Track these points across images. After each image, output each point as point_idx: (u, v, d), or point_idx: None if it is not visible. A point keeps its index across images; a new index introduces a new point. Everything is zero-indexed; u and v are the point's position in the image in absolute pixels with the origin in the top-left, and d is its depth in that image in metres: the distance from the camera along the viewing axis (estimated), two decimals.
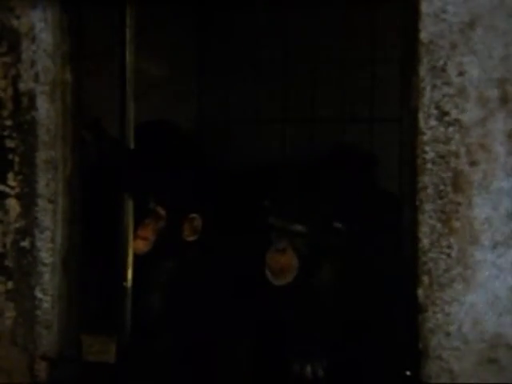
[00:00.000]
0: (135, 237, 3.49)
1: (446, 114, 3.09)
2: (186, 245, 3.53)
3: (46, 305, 3.57)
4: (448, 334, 3.09)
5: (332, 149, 3.81)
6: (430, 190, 3.11)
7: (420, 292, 3.12)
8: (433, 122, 3.11)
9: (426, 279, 3.12)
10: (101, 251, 3.72)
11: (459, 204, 3.09)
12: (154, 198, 3.53)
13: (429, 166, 3.11)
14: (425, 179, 3.12)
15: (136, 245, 3.50)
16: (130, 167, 3.53)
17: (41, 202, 3.56)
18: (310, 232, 3.23)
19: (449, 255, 3.10)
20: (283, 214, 3.26)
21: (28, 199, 3.57)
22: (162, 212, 3.45)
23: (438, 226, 3.10)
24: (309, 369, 3.22)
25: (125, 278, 3.55)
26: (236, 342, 3.30)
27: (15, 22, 3.51)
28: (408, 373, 3.14)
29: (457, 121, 3.09)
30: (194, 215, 3.44)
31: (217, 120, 4.19)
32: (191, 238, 3.47)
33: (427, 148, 3.12)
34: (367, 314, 3.16)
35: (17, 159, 3.59)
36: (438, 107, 3.10)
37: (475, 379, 3.06)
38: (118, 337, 3.57)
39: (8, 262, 3.60)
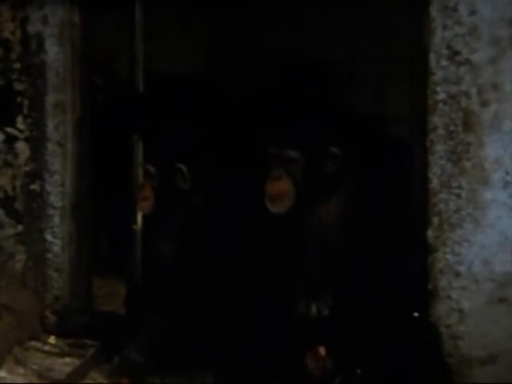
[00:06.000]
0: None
1: (457, 53, 3.07)
2: (187, 193, 3.53)
3: (56, 248, 3.59)
4: (458, 274, 3.10)
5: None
6: (440, 131, 3.10)
7: (430, 233, 3.13)
8: (444, 62, 3.09)
9: (436, 220, 3.11)
10: (111, 194, 3.72)
11: (470, 144, 3.08)
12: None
13: (440, 106, 3.10)
14: (435, 120, 3.11)
15: (140, 206, 3.53)
16: (140, 110, 3.53)
17: (50, 146, 3.57)
18: (304, 158, 3.22)
19: (459, 196, 3.09)
20: (278, 142, 3.25)
21: (37, 142, 3.58)
22: (152, 169, 3.48)
23: (449, 166, 3.09)
24: (314, 307, 3.23)
25: (135, 222, 3.55)
26: (243, 282, 3.30)
27: None
28: (416, 314, 3.14)
29: (468, 60, 3.06)
30: (179, 165, 3.46)
31: (224, 59, 4.16)
32: (185, 187, 3.48)
33: (438, 88, 3.10)
34: (375, 253, 3.14)
35: (26, 102, 3.58)
36: (449, 47, 3.08)
37: (485, 318, 3.07)
38: (128, 280, 3.58)
39: (18, 205, 3.61)
